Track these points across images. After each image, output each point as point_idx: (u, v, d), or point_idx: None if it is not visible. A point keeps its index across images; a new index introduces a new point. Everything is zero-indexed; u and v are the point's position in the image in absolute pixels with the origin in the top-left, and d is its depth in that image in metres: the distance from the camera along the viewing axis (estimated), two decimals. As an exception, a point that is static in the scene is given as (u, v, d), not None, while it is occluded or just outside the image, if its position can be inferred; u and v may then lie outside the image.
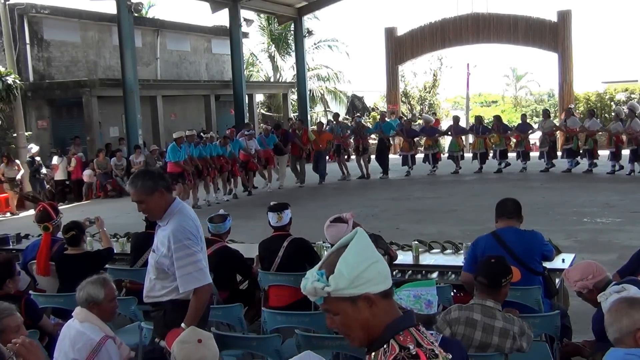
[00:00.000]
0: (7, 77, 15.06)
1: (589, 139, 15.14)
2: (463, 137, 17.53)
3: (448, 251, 5.78)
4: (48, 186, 15.96)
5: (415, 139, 17.53)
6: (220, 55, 25.89)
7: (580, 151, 15.41)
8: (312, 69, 30.90)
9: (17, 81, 15.40)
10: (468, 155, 17.56)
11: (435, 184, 15.04)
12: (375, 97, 33.51)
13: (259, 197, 14.42)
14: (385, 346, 1.80)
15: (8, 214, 14.75)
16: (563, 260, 5.11)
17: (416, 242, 5.69)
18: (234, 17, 21.00)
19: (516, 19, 22.22)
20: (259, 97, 29.28)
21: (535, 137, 19.14)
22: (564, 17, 21.65)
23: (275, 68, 31.81)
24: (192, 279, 3.52)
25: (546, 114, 17.05)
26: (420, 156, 17.68)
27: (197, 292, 3.54)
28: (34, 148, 15.78)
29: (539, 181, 14.30)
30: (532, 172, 15.70)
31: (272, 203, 5.55)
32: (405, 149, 16.80)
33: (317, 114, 31.07)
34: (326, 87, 32.09)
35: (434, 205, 12.27)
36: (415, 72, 28.46)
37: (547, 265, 4.71)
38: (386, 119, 18.17)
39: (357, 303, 1.78)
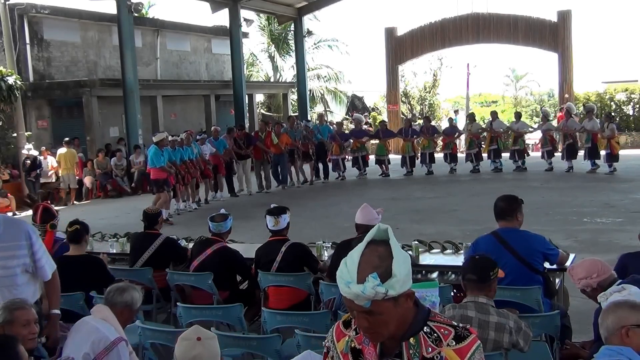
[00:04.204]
0: (8, 78, 15.05)
1: (519, 139, 16.21)
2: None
3: (448, 251, 5.77)
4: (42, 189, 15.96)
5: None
6: (220, 55, 25.88)
7: (503, 151, 16.64)
8: (312, 69, 30.91)
9: (18, 81, 15.39)
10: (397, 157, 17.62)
11: (435, 184, 15.05)
12: (375, 97, 33.52)
13: (259, 197, 14.43)
14: (426, 329, 1.92)
15: (9, 214, 14.75)
16: (563, 261, 5.09)
17: (416, 242, 5.69)
18: (234, 17, 21.00)
19: (516, 19, 22.21)
20: (259, 97, 29.27)
21: (534, 137, 19.30)
22: (564, 17, 21.65)
23: (275, 68, 31.82)
24: (52, 263, 3.93)
25: (471, 117, 17.49)
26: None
27: (54, 275, 3.93)
28: (28, 149, 15.74)
29: (539, 181, 14.31)
30: (532, 172, 15.74)
31: (272, 206, 5.54)
32: (336, 152, 16.61)
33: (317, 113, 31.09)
34: (326, 87, 32.10)
35: (434, 205, 12.27)
36: (415, 72, 28.47)
37: (546, 265, 4.70)
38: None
39: (399, 300, 1.85)
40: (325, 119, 20.01)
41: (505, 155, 16.71)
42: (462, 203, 12.12)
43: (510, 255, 4.30)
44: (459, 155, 17.30)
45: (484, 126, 17.52)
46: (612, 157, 14.92)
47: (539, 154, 16.95)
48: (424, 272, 5.39)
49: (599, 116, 17.62)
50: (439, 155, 17.26)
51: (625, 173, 14.95)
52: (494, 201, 4.68)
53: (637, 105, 22.94)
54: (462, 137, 18.03)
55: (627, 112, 22.96)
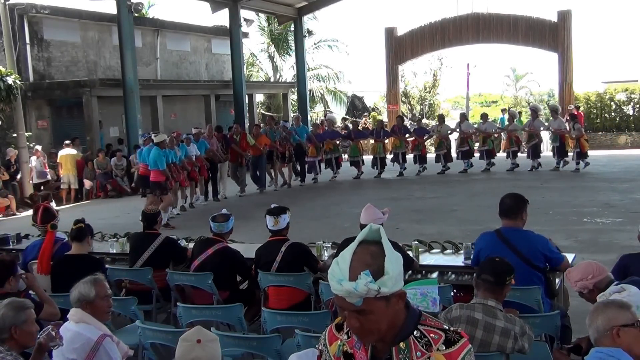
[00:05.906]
0: (8, 78, 15.05)
1: (488, 140, 16.62)
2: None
3: (448, 251, 5.77)
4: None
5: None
6: (220, 55, 25.89)
7: (477, 153, 17.06)
8: (312, 69, 30.92)
9: (18, 81, 15.39)
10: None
11: (435, 184, 15.04)
12: (375, 97, 33.56)
13: (259, 197, 14.42)
14: (416, 333, 1.90)
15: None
16: (562, 261, 5.09)
17: (416, 242, 5.69)
18: (234, 17, 21.01)
19: (516, 19, 22.23)
20: (259, 97, 29.27)
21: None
22: (564, 17, 21.66)
23: (275, 68, 31.81)
24: None
25: (441, 119, 17.61)
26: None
27: None
28: (12, 151, 15.65)
29: (539, 181, 14.31)
30: (533, 172, 15.76)
31: (272, 206, 5.54)
32: (312, 154, 16.46)
33: (317, 114, 31.08)
34: (326, 87, 32.09)
35: (434, 205, 12.27)
36: (415, 72, 28.52)
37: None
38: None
39: (391, 300, 1.85)
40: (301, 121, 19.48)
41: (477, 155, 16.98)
42: (462, 203, 12.12)
43: (512, 254, 4.30)
44: (428, 156, 17.30)
45: (453, 127, 17.56)
46: (582, 155, 15.34)
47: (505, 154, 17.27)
48: (424, 272, 5.39)
49: (599, 116, 17.74)
50: (409, 157, 17.10)
51: (625, 173, 14.97)
52: (493, 201, 4.68)
53: (637, 105, 22.94)
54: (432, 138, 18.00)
55: (627, 112, 22.97)
